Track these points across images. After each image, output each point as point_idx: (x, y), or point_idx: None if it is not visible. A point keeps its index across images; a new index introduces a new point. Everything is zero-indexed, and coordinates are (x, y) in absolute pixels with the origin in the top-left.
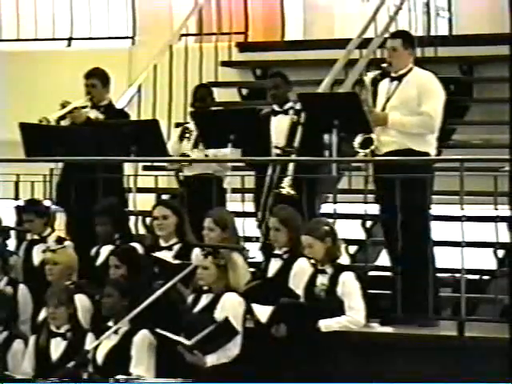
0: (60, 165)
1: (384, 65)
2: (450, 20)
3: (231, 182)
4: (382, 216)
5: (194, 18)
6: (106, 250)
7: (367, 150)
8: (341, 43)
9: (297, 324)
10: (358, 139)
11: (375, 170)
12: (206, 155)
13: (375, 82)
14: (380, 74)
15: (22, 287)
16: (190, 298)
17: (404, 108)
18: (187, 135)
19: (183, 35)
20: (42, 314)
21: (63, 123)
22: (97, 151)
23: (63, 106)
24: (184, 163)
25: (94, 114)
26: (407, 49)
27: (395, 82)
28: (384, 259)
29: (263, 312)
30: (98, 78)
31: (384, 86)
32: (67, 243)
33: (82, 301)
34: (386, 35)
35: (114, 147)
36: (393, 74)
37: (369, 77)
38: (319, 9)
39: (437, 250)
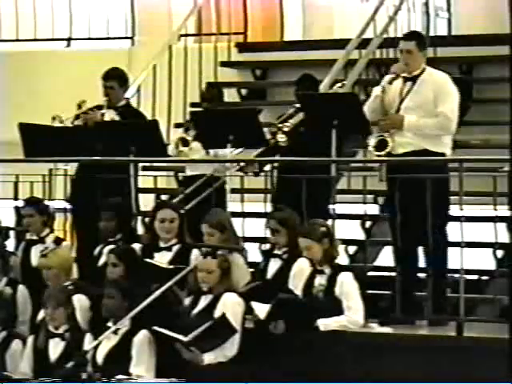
0: (71, 165)
1: (393, 69)
2: (449, 20)
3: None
4: (387, 216)
5: (193, 18)
6: (108, 250)
7: (382, 152)
8: (340, 43)
9: (295, 321)
10: (373, 141)
11: (388, 169)
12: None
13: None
14: (393, 77)
15: (21, 288)
16: (187, 300)
17: (420, 110)
18: None
19: (182, 35)
20: (41, 314)
21: (77, 123)
22: (97, 151)
23: (79, 105)
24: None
25: (110, 115)
26: (421, 50)
27: (409, 83)
28: (383, 259)
29: (262, 309)
30: (114, 80)
31: (397, 86)
32: (65, 244)
33: (80, 301)
34: (385, 35)
35: (114, 147)
36: (406, 75)
37: (385, 80)
38: (318, 9)
39: None
